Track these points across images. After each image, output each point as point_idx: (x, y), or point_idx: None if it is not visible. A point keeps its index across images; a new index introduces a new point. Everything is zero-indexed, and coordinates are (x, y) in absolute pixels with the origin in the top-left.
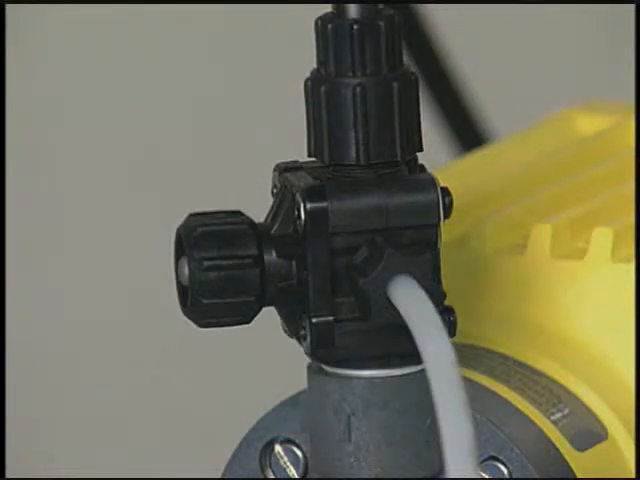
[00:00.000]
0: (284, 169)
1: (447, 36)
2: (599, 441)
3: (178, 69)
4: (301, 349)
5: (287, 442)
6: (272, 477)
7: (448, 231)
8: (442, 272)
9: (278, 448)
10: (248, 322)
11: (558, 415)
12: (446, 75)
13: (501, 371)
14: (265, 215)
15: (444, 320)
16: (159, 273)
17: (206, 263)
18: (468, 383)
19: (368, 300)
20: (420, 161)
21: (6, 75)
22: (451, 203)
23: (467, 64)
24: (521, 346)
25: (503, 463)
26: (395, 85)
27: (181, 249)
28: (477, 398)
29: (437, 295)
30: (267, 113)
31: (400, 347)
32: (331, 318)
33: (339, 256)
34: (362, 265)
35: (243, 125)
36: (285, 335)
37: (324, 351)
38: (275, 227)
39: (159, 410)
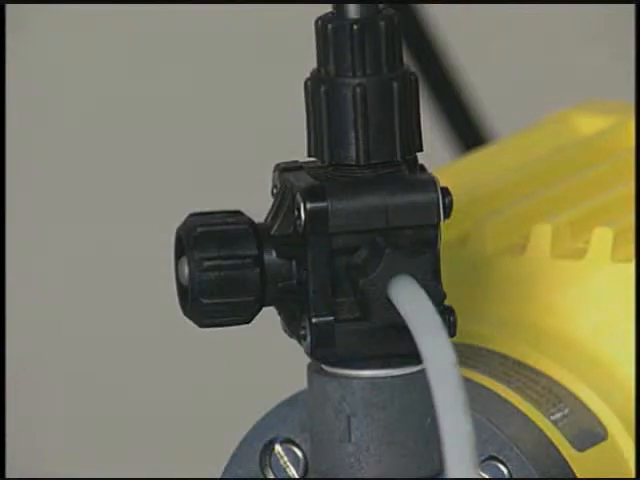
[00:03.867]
0: (284, 169)
1: (447, 36)
2: (599, 441)
3: (178, 69)
4: (301, 349)
5: (287, 442)
6: (272, 477)
7: (448, 231)
8: (442, 272)
9: (278, 448)
10: (248, 322)
11: (558, 415)
12: (446, 75)
13: (501, 371)
14: (265, 215)
15: (444, 320)
16: (159, 273)
17: (206, 263)
18: (468, 383)
19: (368, 300)
20: (420, 161)
21: (6, 75)
22: (451, 203)
23: (467, 64)
24: (521, 346)
25: (503, 463)
26: (395, 85)
27: (181, 249)
28: (477, 398)
29: (437, 295)
30: (267, 113)
31: (400, 347)
32: (331, 318)
33: (339, 256)
34: (362, 265)
35: (243, 125)
36: (285, 335)
37: (324, 351)
38: (275, 227)
39: (159, 410)
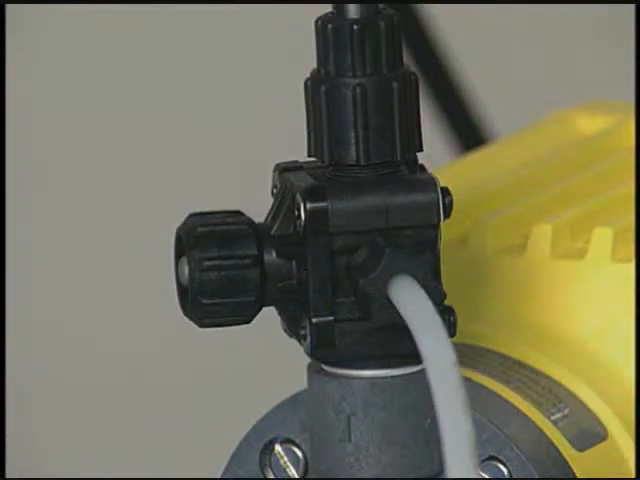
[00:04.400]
0: (284, 169)
1: (447, 36)
2: (599, 441)
3: (178, 69)
4: (301, 349)
5: (287, 442)
6: (272, 477)
7: (448, 231)
8: (442, 272)
9: (278, 448)
10: (248, 322)
11: (558, 415)
12: (446, 75)
13: (501, 371)
14: (265, 215)
15: (444, 320)
16: (159, 273)
17: (206, 263)
18: (468, 383)
19: (368, 300)
20: (420, 161)
21: (6, 75)
22: (451, 203)
23: (467, 64)
24: (521, 346)
25: (503, 463)
26: (395, 85)
27: (181, 249)
28: (477, 398)
29: (437, 295)
30: (267, 113)
31: (400, 347)
32: (331, 318)
33: (339, 256)
34: (362, 265)
35: (243, 125)
36: (285, 335)
37: (324, 351)
38: (275, 227)
39: (159, 410)
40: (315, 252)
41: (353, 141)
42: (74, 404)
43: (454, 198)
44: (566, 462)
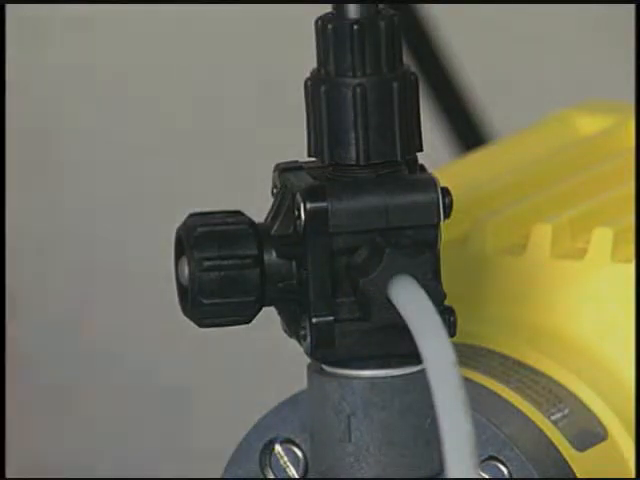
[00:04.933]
0: (284, 169)
1: (447, 36)
2: (599, 441)
3: (178, 69)
4: (301, 349)
5: (287, 442)
6: (272, 477)
7: (448, 231)
8: (442, 272)
9: (278, 448)
10: (248, 322)
11: (558, 415)
12: (447, 75)
13: (501, 371)
14: (265, 215)
15: (444, 320)
16: (159, 273)
17: (206, 263)
18: (468, 383)
19: (368, 300)
20: (420, 161)
21: (6, 75)
22: (451, 203)
23: (467, 64)
24: (521, 346)
25: (503, 463)
26: (395, 85)
27: (181, 249)
28: (477, 398)
29: (437, 295)
30: (267, 113)
31: (400, 347)
32: (331, 318)
33: (339, 256)
34: (362, 265)
35: (243, 125)
36: (285, 335)
37: (324, 351)
38: (275, 227)
39: (159, 410)
40: (315, 252)
41: (353, 141)
42: (74, 404)
43: (454, 198)
44: (566, 462)
